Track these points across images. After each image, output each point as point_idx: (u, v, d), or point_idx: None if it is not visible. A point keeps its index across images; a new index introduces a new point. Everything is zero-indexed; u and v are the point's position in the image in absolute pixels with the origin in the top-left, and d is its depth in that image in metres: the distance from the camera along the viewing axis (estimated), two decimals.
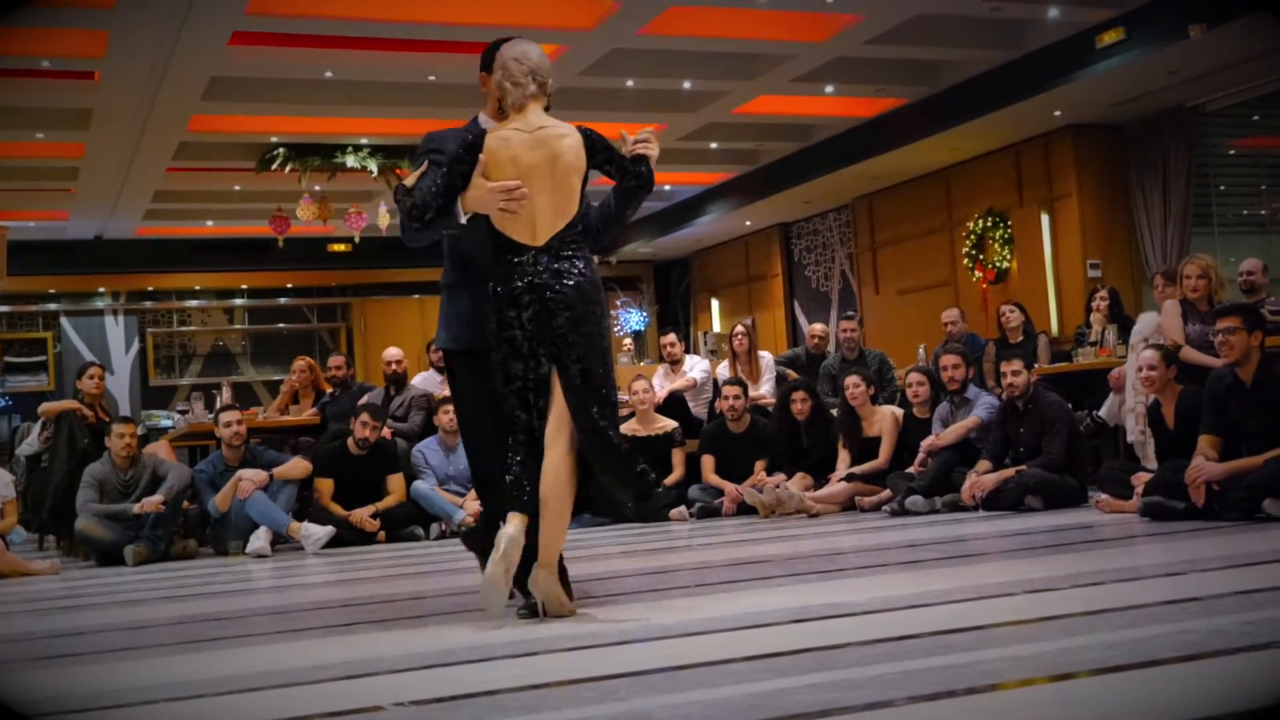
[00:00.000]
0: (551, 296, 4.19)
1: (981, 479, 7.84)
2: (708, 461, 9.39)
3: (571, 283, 4.21)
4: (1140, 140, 12.81)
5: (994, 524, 7.08)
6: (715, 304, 20.12)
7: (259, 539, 8.30)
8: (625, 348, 16.65)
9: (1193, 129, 12.48)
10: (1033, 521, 7.00)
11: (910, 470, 8.49)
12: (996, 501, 7.73)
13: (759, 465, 9.30)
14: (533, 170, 4.23)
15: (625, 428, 9.76)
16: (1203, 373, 6.99)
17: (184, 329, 19.89)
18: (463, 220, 4.26)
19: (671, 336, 11.12)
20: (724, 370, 10.64)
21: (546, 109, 4.39)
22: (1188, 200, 12.46)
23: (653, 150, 4.40)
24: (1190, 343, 7.61)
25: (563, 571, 4.37)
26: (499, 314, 4.23)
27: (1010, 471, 7.80)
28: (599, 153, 4.33)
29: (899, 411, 9.09)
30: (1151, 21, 10.39)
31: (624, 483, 4.25)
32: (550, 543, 4.17)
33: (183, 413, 13.27)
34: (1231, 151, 13.33)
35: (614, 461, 4.23)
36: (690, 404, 10.49)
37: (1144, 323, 8.29)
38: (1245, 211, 13.51)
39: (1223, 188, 13.21)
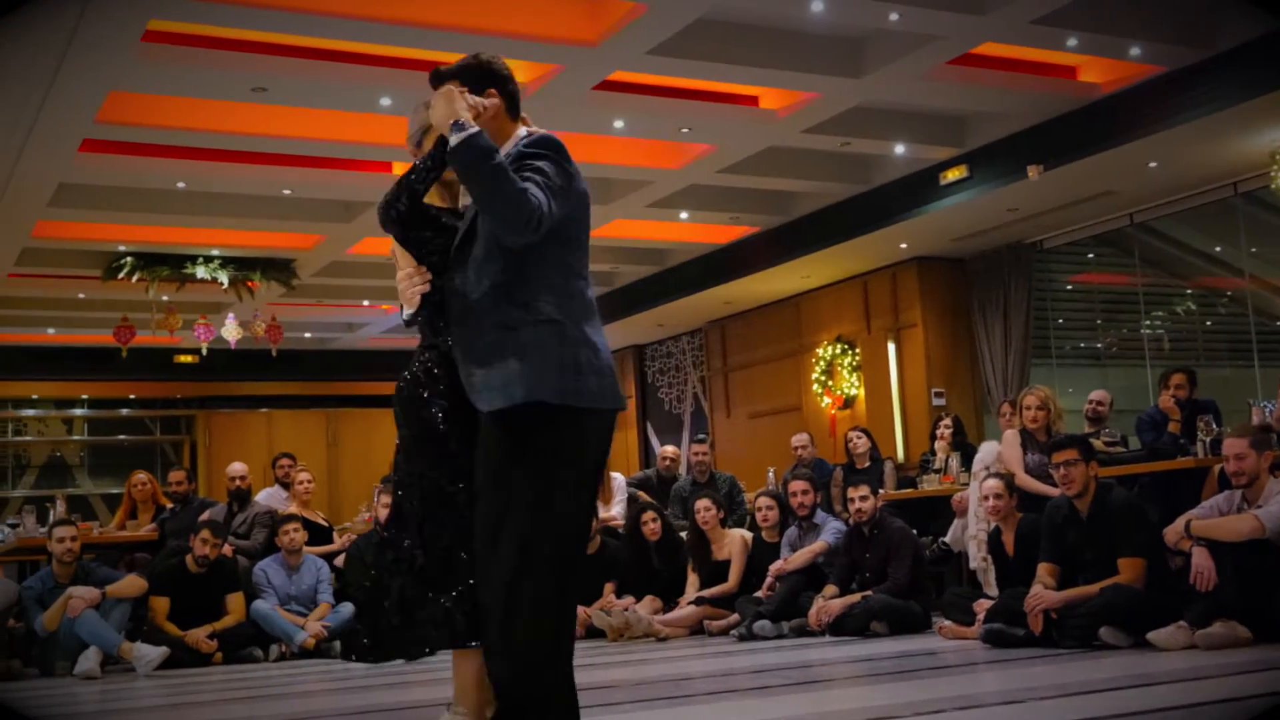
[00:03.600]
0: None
1: (828, 604, 7.90)
2: None
3: None
4: (982, 273, 13.26)
5: (840, 649, 7.13)
6: None
7: (88, 659, 7.96)
8: None
9: (1032, 264, 12.97)
10: (878, 647, 7.06)
11: (759, 594, 8.51)
12: (843, 626, 7.79)
13: (608, 587, 9.24)
14: None
15: None
16: (1040, 501, 7.18)
17: (18, 439, 19.19)
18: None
19: None
20: None
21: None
22: (1027, 332, 12.90)
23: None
24: (1029, 472, 7.81)
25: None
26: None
27: (856, 597, 7.88)
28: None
29: (748, 535, 9.13)
30: (992, 161, 10.83)
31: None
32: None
33: (13, 526, 12.74)
34: (1069, 286, 13.87)
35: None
36: None
37: (985, 451, 8.50)
38: (1082, 344, 14.02)
39: (1061, 321, 13.71)
